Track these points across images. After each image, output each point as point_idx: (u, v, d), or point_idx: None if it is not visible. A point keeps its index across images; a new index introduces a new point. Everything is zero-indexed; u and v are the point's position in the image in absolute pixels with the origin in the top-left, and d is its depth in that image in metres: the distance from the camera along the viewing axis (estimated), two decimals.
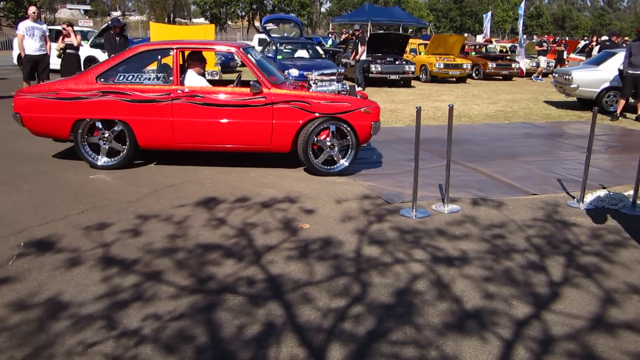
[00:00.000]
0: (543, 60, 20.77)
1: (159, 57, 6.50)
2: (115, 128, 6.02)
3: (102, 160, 6.10)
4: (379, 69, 15.60)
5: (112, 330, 2.83)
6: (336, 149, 6.00)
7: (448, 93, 15.05)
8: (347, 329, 2.87)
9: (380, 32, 22.50)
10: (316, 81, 6.36)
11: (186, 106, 5.87)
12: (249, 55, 6.08)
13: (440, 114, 10.90)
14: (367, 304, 3.13)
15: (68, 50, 10.66)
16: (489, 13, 29.94)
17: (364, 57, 14.85)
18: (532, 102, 13.55)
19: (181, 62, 6.20)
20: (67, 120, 5.95)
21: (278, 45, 15.04)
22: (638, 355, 2.71)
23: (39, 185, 5.40)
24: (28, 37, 10.20)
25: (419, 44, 20.18)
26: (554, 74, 13.67)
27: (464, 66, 18.23)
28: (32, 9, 10.64)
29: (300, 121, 5.84)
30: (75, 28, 13.36)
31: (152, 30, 12.23)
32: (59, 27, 13.22)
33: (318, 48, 16.16)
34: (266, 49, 15.98)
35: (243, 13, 42.13)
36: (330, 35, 25.70)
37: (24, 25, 10.32)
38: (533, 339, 2.81)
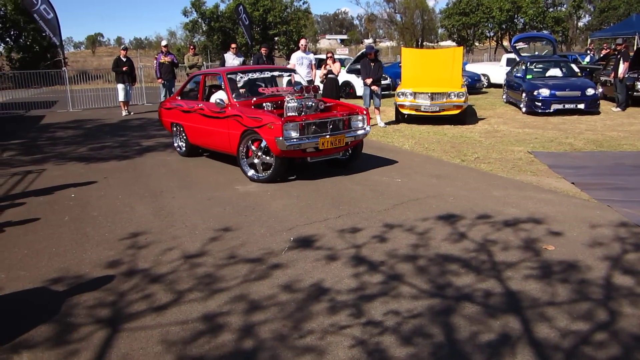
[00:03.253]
0: None
1: (204, 80, 8.43)
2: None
3: (176, 144, 8.89)
4: None
5: (361, 318, 3.25)
6: (258, 159, 6.83)
7: None
8: (589, 353, 2.79)
9: None
10: (289, 99, 6.88)
11: (197, 116, 7.85)
12: (227, 78, 7.47)
13: None
14: (613, 332, 2.98)
15: (329, 76, 12.01)
16: None
17: (627, 74, 13.38)
18: None
19: (210, 84, 8.72)
20: (168, 122, 8.96)
21: (528, 64, 14.50)
22: None
23: (304, 192, 6.29)
24: (298, 66, 11.79)
25: None
26: None
27: None
28: (302, 42, 12.31)
29: (238, 132, 6.91)
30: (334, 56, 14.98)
31: (404, 54, 12.96)
32: (322, 56, 14.90)
33: (573, 66, 15.06)
34: (515, 69, 15.54)
35: (492, 33, 41.39)
36: (588, 51, 23.66)
37: (295, 56, 11.99)
38: None
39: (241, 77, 7.77)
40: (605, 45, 21.94)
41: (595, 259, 4.03)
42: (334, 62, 11.98)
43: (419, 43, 43.64)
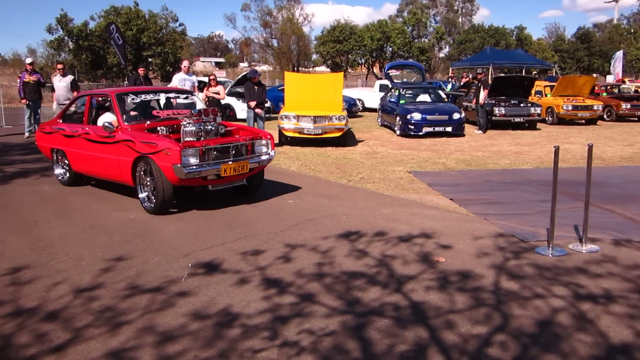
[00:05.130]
0: None
1: (90, 101, 7.70)
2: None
3: (57, 172, 8.07)
4: (503, 111, 15.43)
5: (276, 340, 3.22)
6: (148, 187, 6.31)
7: (577, 135, 14.47)
8: (492, 354, 3.02)
9: (504, 75, 22.23)
10: (187, 122, 6.43)
11: (82, 141, 7.18)
12: (117, 99, 6.87)
13: (569, 156, 10.57)
14: (509, 333, 3.26)
15: (211, 98, 11.88)
16: (620, 52, 28.37)
17: (486, 101, 14.83)
18: None
19: (97, 105, 7.94)
20: (47, 148, 8.15)
21: (401, 90, 15.48)
22: None
23: (194, 216, 6.12)
24: (180, 87, 11.51)
25: (545, 86, 19.65)
26: None
27: (595, 107, 17.41)
28: (185, 63, 12.07)
29: (130, 159, 6.34)
30: (204, 78, 14.81)
31: (287, 78, 13.20)
32: (205, 79, 14.70)
33: (441, 92, 16.35)
34: (389, 94, 16.49)
35: (363, 60, 43.62)
36: (450, 79, 25.85)
37: (177, 78, 11.71)
38: None
39: (133, 99, 7.14)
40: (464, 74, 24.09)
41: (483, 267, 4.38)
42: (216, 84, 11.91)
43: (295, 68, 44.71)
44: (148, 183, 6.29)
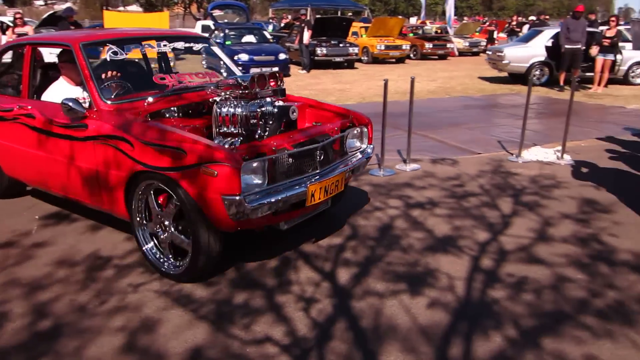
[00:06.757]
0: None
1: (32, 56, 4.14)
2: None
3: None
4: (324, 51, 16.24)
5: (153, 275, 3.37)
6: (166, 232, 3.29)
7: (390, 73, 15.86)
8: (348, 257, 3.55)
9: (324, 16, 23.11)
10: (223, 96, 3.43)
11: (23, 129, 3.98)
12: (82, 52, 3.62)
13: None
14: (358, 239, 3.83)
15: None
16: None
17: (310, 41, 15.46)
18: (467, 78, 14.61)
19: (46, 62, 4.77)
20: None
21: (226, 31, 15.37)
22: (568, 255, 3.56)
23: None
24: None
25: (360, 27, 20.97)
26: (487, 52, 14.76)
27: (404, 47, 19.16)
28: None
29: (121, 173, 3.29)
30: (4, 18, 13.12)
31: (106, 18, 12.33)
32: (7, 19, 13.03)
33: (266, 33, 16.57)
34: (213, 35, 16.26)
35: (179, 0, 41.66)
36: (270, 20, 26.10)
37: None
38: (493, 252, 3.62)
39: (115, 53, 3.74)
40: (285, 15, 24.51)
41: None
42: (23, 24, 10.72)
43: (105, 7, 41.05)
44: (165, 223, 3.28)
